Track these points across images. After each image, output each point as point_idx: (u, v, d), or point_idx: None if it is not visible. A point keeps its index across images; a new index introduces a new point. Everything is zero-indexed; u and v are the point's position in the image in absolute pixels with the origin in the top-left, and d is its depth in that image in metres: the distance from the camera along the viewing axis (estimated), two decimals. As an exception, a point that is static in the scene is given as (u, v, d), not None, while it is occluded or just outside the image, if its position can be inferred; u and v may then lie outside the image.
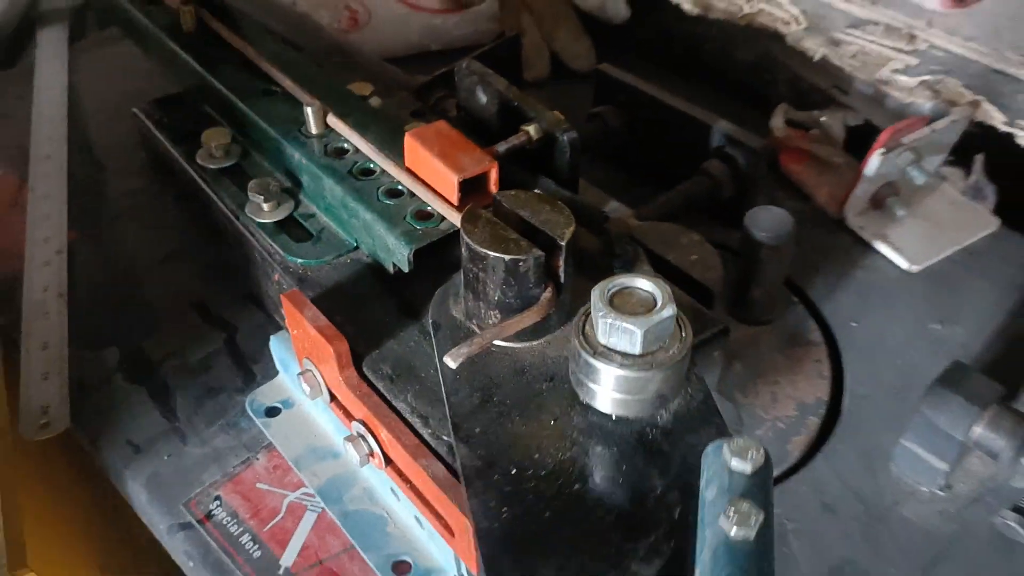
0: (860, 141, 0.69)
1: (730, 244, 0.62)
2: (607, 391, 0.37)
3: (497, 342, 0.42)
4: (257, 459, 0.51)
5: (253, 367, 0.56)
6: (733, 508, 0.28)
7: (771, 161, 0.66)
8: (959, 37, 0.63)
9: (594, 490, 0.36)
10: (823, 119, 0.67)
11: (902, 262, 0.61)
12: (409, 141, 0.48)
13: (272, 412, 0.53)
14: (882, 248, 0.61)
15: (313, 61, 0.63)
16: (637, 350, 0.36)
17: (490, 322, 0.43)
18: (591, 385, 0.37)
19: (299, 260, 0.50)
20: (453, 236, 0.47)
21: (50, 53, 0.82)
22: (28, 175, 0.69)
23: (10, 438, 0.57)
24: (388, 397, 0.44)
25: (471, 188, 0.47)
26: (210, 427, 0.53)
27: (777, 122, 0.69)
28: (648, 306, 0.36)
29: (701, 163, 0.63)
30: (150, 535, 0.51)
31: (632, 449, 0.37)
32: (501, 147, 0.50)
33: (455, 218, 0.47)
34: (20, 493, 0.56)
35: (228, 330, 0.58)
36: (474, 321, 0.44)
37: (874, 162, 0.59)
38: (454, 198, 0.47)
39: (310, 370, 0.47)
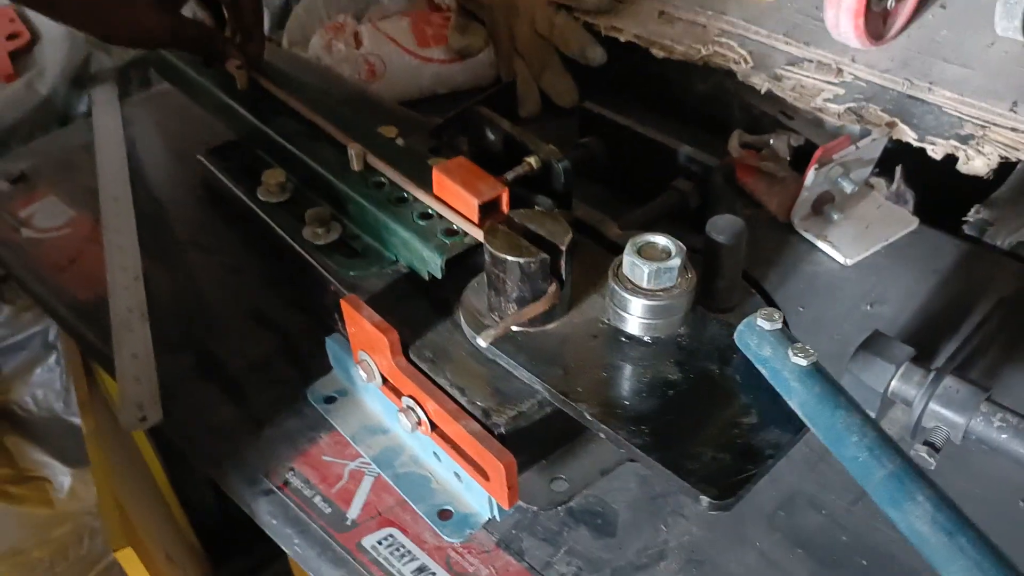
0: (803, 158, 0.82)
1: (697, 246, 0.75)
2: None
3: (521, 329, 0.54)
4: (321, 437, 0.63)
5: (307, 364, 0.68)
6: (793, 349, 0.48)
7: (729, 176, 0.78)
8: (877, 69, 0.76)
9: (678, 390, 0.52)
10: (772, 141, 0.80)
11: (839, 257, 0.73)
12: (436, 173, 0.61)
13: (329, 400, 0.65)
14: (823, 246, 0.74)
15: (348, 109, 0.75)
16: (651, 285, 0.52)
17: (508, 312, 0.55)
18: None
19: (351, 272, 0.62)
20: (475, 248, 0.59)
21: (105, 108, 0.94)
22: (100, 214, 0.81)
23: (105, 435, 0.69)
24: (431, 375, 0.56)
25: (488, 209, 0.59)
26: (278, 414, 0.64)
27: (733, 144, 0.82)
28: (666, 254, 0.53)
29: (671, 181, 0.75)
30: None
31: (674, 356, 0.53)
32: (509, 175, 0.62)
33: (477, 233, 0.59)
34: (115, 480, 0.68)
35: (282, 333, 0.70)
36: (495, 313, 0.56)
37: (811, 176, 0.72)
38: (475, 217, 0.59)
39: (365, 360, 0.59)
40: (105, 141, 0.89)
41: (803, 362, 0.48)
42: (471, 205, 0.59)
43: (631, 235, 0.66)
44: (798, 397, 0.47)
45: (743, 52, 0.82)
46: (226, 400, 0.66)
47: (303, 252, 0.65)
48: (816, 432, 0.47)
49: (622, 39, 0.89)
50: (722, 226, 0.66)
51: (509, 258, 0.52)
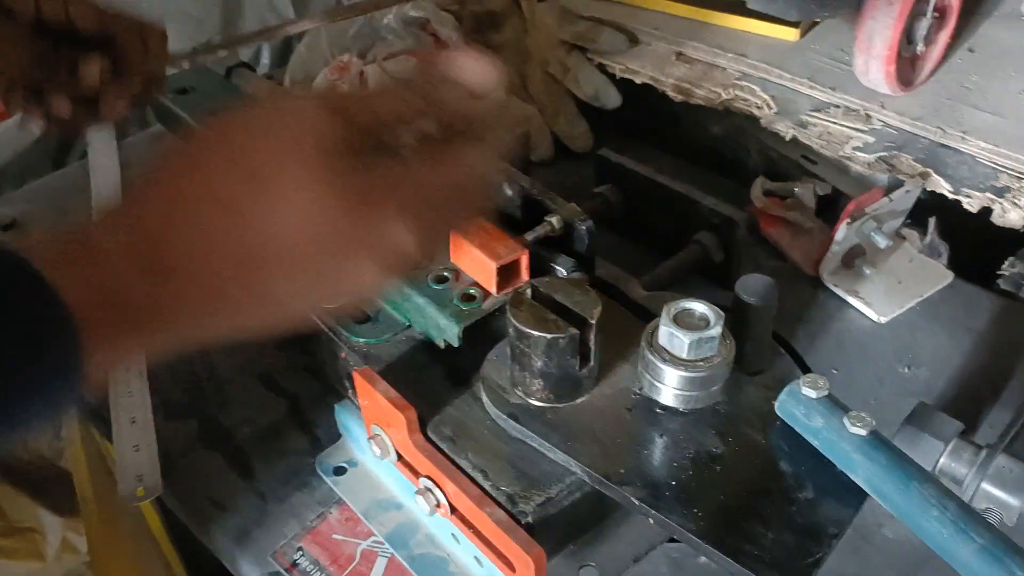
0: (829, 206, 0.79)
1: (722, 302, 0.72)
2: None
3: (543, 404, 0.51)
4: (331, 513, 0.59)
5: (316, 431, 0.64)
6: (850, 418, 0.45)
7: (752, 226, 0.76)
8: (908, 116, 0.74)
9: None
10: (796, 189, 0.77)
11: (872, 314, 0.70)
12: (455, 236, 0.57)
13: (339, 471, 0.61)
14: (854, 302, 0.71)
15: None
16: (691, 356, 0.49)
17: (533, 388, 0.52)
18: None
19: (362, 339, 0.59)
20: (493, 313, 0.56)
21: (102, 149, 0.90)
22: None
23: (99, 505, 0.65)
24: (451, 456, 0.52)
25: (507, 272, 0.56)
26: (285, 486, 0.61)
27: (756, 192, 0.78)
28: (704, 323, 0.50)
29: (692, 232, 0.72)
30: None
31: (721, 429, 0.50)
32: (530, 236, 0.59)
33: (495, 299, 0.56)
34: (111, 555, 0.64)
35: (291, 399, 0.66)
36: (519, 388, 0.53)
37: (842, 231, 0.69)
38: (492, 282, 0.56)
39: (379, 435, 0.55)
40: (102, 185, 0.86)
41: (862, 431, 0.45)
42: (489, 268, 0.56)
43: (658, 297, 0.63)
44: (863, 470, 0.45)
45: (765, 96, 0.79)
46: (231, 471, 0.62)
47: (314, 316, 0.61)
48: (888, 507, 0.45)
49: (638, 81, 0.86)
50: (752, 286, 0.63)
51: (535, 333, 0.49)
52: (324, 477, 0.61)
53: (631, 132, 0.91)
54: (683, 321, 0.51)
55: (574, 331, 0.49)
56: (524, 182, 0.62)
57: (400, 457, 0.56)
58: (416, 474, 0.54)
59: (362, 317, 0.60)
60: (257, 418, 0.65)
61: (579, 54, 0.88)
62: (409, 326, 0.60)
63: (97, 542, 0.64)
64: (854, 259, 0.73)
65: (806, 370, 0.69)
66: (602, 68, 0.88)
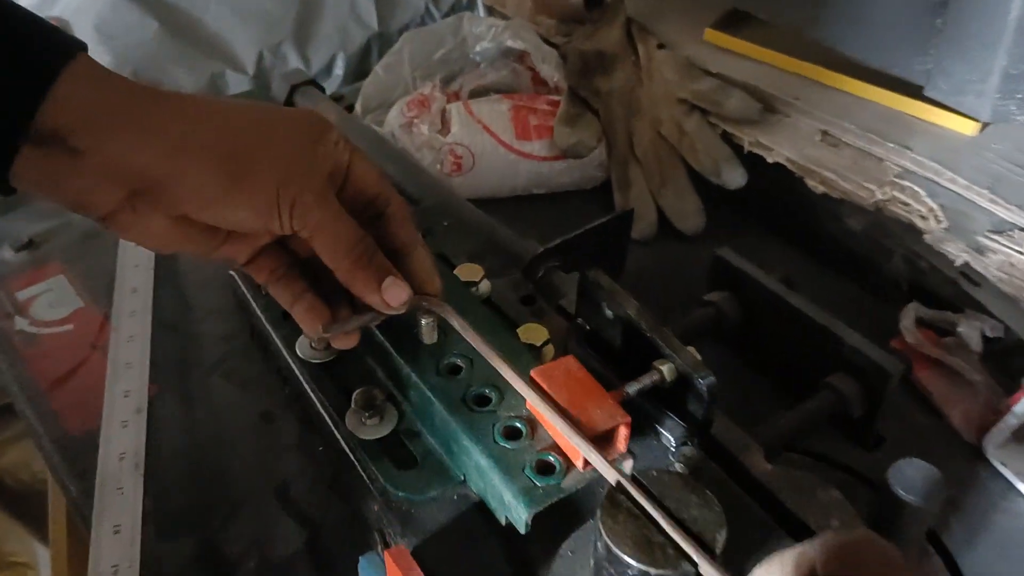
0: (998, 350, 0.64)
1: (855, 467, 0.58)
2: None
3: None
4: None
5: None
6: None
7: (905, 377, 0.61)
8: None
9: None
10: (960, 328, 0.62)
11: (1048, 511, 0.55)
12: (533, 382, 0.44)
13: (355, 642, 0.49)
14: (1025, 490, 0.56)
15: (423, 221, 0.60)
16: None
17: (615, 615, 0.38)
18: None
19: (402, 493, 0.46)
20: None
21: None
22: (112, 310, 0.67)
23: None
24: None
25: (598, 440, 0.43)
26: (287, 653, 0.49)
27: (907, 322, 0.64)
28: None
29: (824, 370, 0.58)
30: None
31: None
32: (631, 387, 0.46)
33: (580, 476, 0.43)
34: None
35: (311, 527, 0.54)
36: (600, 612, 0.39)
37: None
38: (580, 456, 0.43)
39: (409, 629, 0.43)
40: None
41: None
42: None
43: (787, 480, 0.49)
44: None
45: (933, 205, 0.64)
46: (223, 622, 0.50)
47: (343, 443, 0.49)
48: None
49: (769, 159, 0.72)
50: (911, 478, 0.49)
51: (635, 564, 0.36)
52: (336, 649, 0.49)
53: (749, 214, 0.77)
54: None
55: (689, 568, 0.36)
56: (631, 308, 0.49)
57: (432, 662, 0.43)
58: None
59: (405, 459, 0.48)
60: (267, 547, 0.53)
61: (700, 117, 0.74)
62: (464, 481, 0.47)
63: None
64: (1029, 433, 0.57)
65: (960, 580, 0.54)
66: (726, 138, 0.74)
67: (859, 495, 0.52)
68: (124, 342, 0.64)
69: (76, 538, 0.63)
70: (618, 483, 0.39)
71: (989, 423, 0.58)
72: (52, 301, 0.68)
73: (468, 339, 0.47)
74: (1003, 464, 0.57)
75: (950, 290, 0.69)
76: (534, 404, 0.44)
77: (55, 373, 0.63)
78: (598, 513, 0.38)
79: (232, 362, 0.64)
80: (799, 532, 0.46)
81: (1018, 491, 0.56)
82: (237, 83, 0.95)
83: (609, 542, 0.37)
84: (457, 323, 0.48)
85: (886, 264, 0.73)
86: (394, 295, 0.46)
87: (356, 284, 0.46)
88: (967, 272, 0.68)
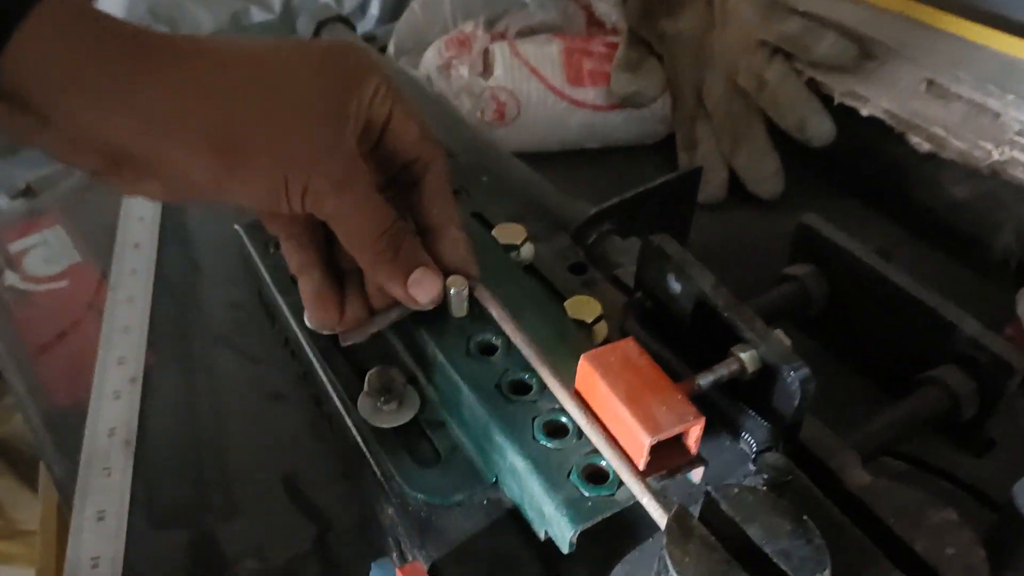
0: None
1: (962, 476, 0.49)
2: None
3: None
4: None
5: (346, 583, 0.45)
6: None
7: None
8: None
9: None
10: (1091, 315, 0.52)
11: None
12: (585, 368, 0.36)
13: (364, 661, 0.42)
14: None
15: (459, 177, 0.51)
16: None
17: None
18: None
19: (422, 496, 0.38)
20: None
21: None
22: (111, 268, 0.60)
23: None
24: None
25: (664, 445, 0.35)
26: (285, 670, 0.42)
27: (1024, 306, 0.54)
28: None
29: (928, 361, 0.49)
30: None
31: None
32: (704, 379, 0.37)
33: (637, 487, 0.34)
34: None
35: (320, 524, 0.47)
36: (659, 659, 0.31)
37: None
38: (640, 462, 0.34)
39: (423, 662, 0.35)
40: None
41: None
42: (637, 441, 0.34)
43: (886, 493, 0.40)
44: None
45: (1062, 168, 0.54)
46: (215, 632, 0.43)
47: (354, 431, 0.41)
48: None
49: (863, 113, 0.62)
50: (1043, 498, 0.40)
51: (709, 608, 0.28)
52: (342, 668, 0.41)
53: (834, 179, 0.67)
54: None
55: (778, 618, 0.28)
56: (705, 282, 0.40)
57: None
58: None
59: (427, 454, 0.40)
60: (270, 548, 0.46)
61: (784, 64, 0.64)
62: (495, 483, 0.39)
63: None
64: None
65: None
66: (813, 87, 0.64)
67: (969, 510, 0.43)
68: (122, 303, 0.58)
69: (65, 522, 0.57)
70: (680, 507, 0.30)
71: None
72: (47, 255, 0.61)
73: (503, 325, 0.39)
74: None
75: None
76: (581, 381, 0.36)
77: (45, 336, 0.57)
78: (663, 540, 0.29)
79: (241, 333, 0.56)
80: (906, 560, 0.38)
81: None
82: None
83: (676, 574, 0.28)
84: (495, 310, 0.40)
85: (995, 239, 0.63)
86: (424, 290, 0.39)
87: (379, 275, 0.39)
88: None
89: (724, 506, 0.30)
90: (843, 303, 0.53)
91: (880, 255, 0.53)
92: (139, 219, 0.63)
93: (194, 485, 0.49)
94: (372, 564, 0.42)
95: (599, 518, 0.34)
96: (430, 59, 0.68)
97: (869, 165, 0.66)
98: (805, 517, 0.30)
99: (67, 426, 0.51)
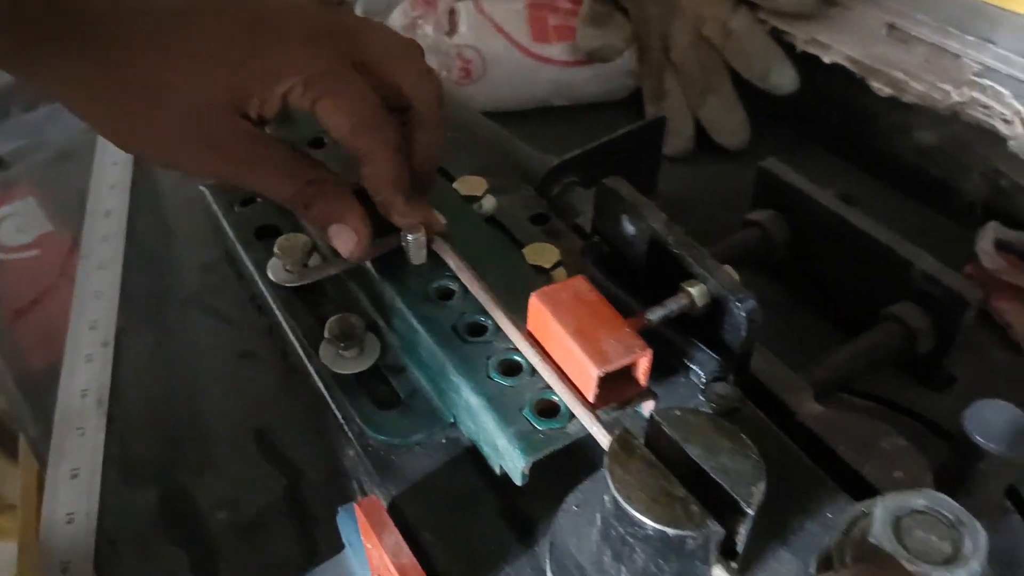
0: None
1: (922, 411, 0.50)
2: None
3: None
4: (311, 673, 0.41)
5: (316, 531, 0.46)
6: None
7: (982, 305, 0.52)
8: None
9: None
10: (1049, 250, 0.52)
11: None
12: (536, 305, 0.36)
13: (334, 603, 0.43)
14: None
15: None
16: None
17: (630, 591, 0.31)
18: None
19: (382, 436, 0.39)
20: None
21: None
22: (82, 235, 0.60)
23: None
24: (485, 673, 0.33)
25: (613, 376, 0.35)
26: (257, 616, 0.43)
27: (985, 244, 0.54)
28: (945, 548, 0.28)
29: (887, 299, 0.49)
30: None
31: None
32: (654, 314, 0.38)
33: (588, 420, 0.35)
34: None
35: (291, 475, 0.48)
36: (609, 580, 0.32)
37: None
38: (590, 394, 0.35)
39: (385, 594, 0.36)
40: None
41: None
42: (586, 373, 0.35)
43: (840, 423, 0.41)
44: None
45: (1019, 107, 0.54)
46: (189, 576, 0.44)
47: (316, 377, 0.42)
48: None
49: (826, 60, 0.62)
50: (993, 422, 0.41)
51: (649, 522, 0.28)
52: (312, 612, 0.42)
53: (800, 128, 0.67)
54: (912, 536, 0.29)
55: (716, 528, 0.29)
56: (656, 221, 0.40)
57: (413, 633, 0.36)
58: (433, 673, 0.35)
59: (387, 397, 0.41)
60: (242, 498, 0.47)
61: (748, 14, 0.64)
62: (454, 423, 0.40)
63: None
64: None
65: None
66: (776, 36, 0.64)
67: (927, 445, 0.44)
68: (94, 269, 0.58)
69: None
70: (624, 430, 0.31)
71: (1084, 362, 0.49)
72: (19, 225, 0.62)
73: (459, 273, 0.40)
74: (1101, 409, 0.48)
75: (1035, 212, 0.60)
76: (532, 321, 0.36)
77: (19, 302, 0.57)
78: (605, 460, 0.30)
79: (211, 295, 0.57)
80: (855, 486, 0.38)
81: (1119, 441, 0.47)
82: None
83: (618, 496, 0.29)
84: (451, 259, 0.41)
85: (962, 183, 0.63)
86: (342, 243, 0.41)
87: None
88: (1056, 189, 0.59)
89: (666, 427, 0.31)
90: (805, 246, 0.54)
91: (842, 200, 0.54)
92: (110, 187, 0.64)
93: (167, 442, 0.50)
94: (339, 509, 0.43)
95: (550, 450, 0.35)
96: (396, 19, 0.68)
97: (834, 113, 0.66)
98: (743, 436, 0.31)
99: (41, 389, 0.52)
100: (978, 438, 0.40)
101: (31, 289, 0.58)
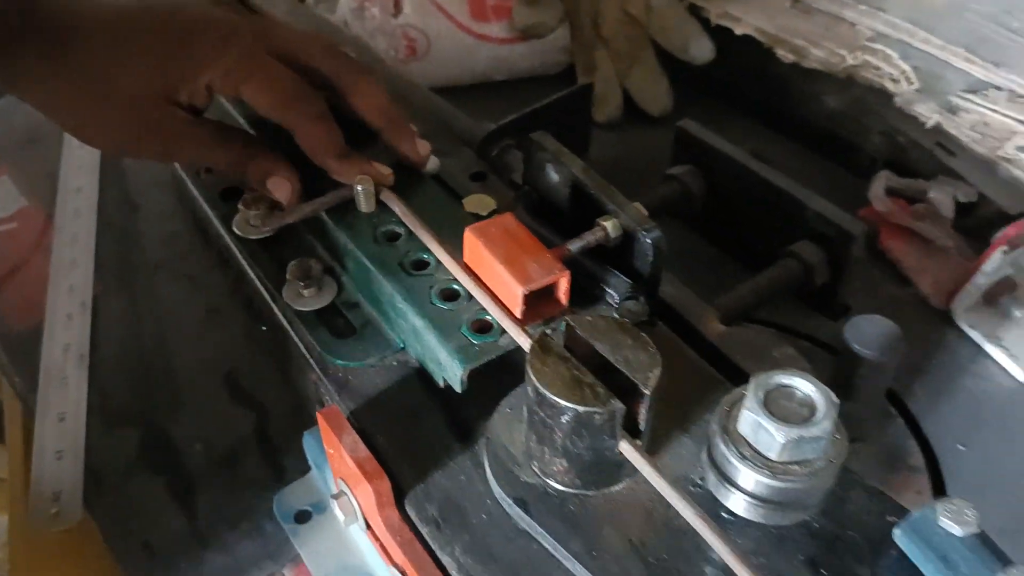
0: (971, 216, 0.61)
1: (821, 332, 0.56)
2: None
3: (565, 489, 0.37)
4: (283, 575, 0.46)
5: (283, 459, 0.51)
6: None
7: (871, 239, 0.59)
8: (1101, 112, 0.55)
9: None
10: (931, 193, 0.59)
11: (1019, 372, 0.53)
12: (469, 239, 0.42)
13: (302, 517, 0.48)
14: (995, 353, 0.54)
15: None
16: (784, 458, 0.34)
17: (554, 468, 0.37)
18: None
19: (339, 361, 0.44)
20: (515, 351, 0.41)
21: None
22: (55, 210, 0.65)
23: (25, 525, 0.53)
24: (433, 546, 0.38)
25: (537, 297, 0.41)
26: (233, 530, 0.48)
27: (877, 190, 0.61)
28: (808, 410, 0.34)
29: (790, 240, 0.56)
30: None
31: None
32: (574, 245, 0.44)
33: (517, 333, 0.41)
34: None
35: (259, 412, 0.53)
36: (535, 463, 0.38)
37: (995, 260, 0.52)
38: (517, 311, 0.41)
39: (346, 495, 0.42)
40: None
41: None
42: (513, 293, 0.40)
43: (740, 337, 0.47)
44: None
45: (905, 67, 0.61)
46: (172, 503, 0.49)
47: (280, 316, 0.47)
48: None
49: (737, 31, 0.68)
50: (869, 334, 0.47)
51: (562, 402, 0.34)
52: (282, 523, 0.47)
53: (720, 96, 0.74)
54: (777, 405, 0.35)
55: (618, 405, 0.34)
56: (575, 167, 0.46)
57: (371, 526, 0.42)
58: (389, 558, 0.41)
59: (343, 329, 0.46)
60: (214, 434, 0.52)
61: (667, -9, 0.70)
62: (403, 348, 0.45)
63: (21, 554, 0.52)
64: (1000, 295, 0.55)
65: (923, 442, 0.53)
66: (695, 11, 0.70)
67: (824, 367, 0.50)
68: (68, 242, 0.62)
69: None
70: (542, 333, 0.37)
71: (960, 289, 0.56)
72: (-4, 201, 0.66)
73: (404, 219, 0.46)
74: (971, 327, 0.55)
75: (928, 165, 0.66)
76: (469, 254, 0.42)
77: (1, 270, 0.61)
78: (528, 356, 0.36)
79: (178, 260, 0.62)
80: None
81: (986, 354, 0.55)
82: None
83: (538, 384, 0.35)
84: (398, 207, 0.46)
85: (864, 143, 0.70)
86: (278, 191, 0.48)
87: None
88: (943, 143, 0.66)
89: (579, 330, 0.37)
90: (718, 197, 0.60)
91: (754, 156, 0.60)
92: (79, 167, 0.68)
93: (144, 390, 0.55)
94: (304, 433, 0.48)
95: (485, 360, 0.40)
96: (344, 3, 0.73)
97: (749, 81, 0.72)
98: (643, 335, 0.37)
99: (25, 348, 0.57)
100: (855, 346, 0.47)
101: (11, 259, 0.62)
